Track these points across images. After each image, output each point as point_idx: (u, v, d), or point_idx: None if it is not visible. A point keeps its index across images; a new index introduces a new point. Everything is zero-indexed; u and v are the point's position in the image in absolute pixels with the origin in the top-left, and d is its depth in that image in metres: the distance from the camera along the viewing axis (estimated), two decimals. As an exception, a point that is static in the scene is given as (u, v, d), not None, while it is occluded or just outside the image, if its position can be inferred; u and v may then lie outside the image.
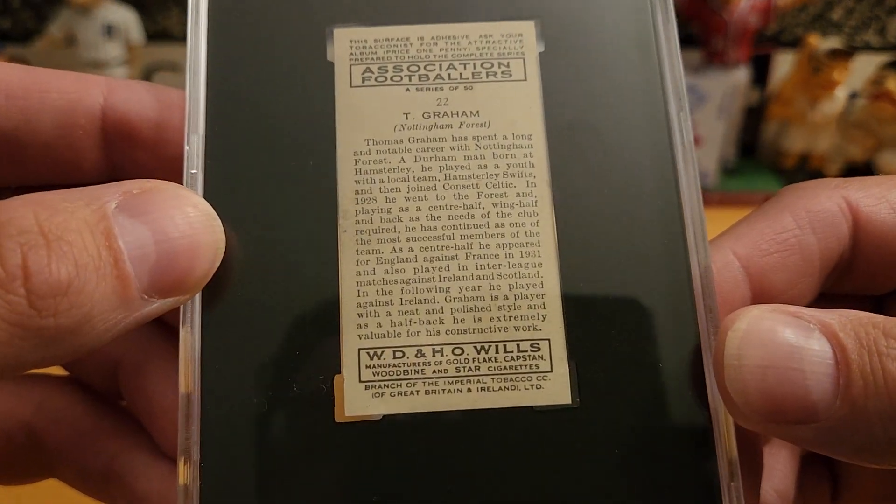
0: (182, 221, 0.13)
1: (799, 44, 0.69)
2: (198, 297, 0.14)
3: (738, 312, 0.14)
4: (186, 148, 0.15)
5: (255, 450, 0.13)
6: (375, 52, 0.16)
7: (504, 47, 0.15)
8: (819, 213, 0.16)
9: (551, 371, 0.14)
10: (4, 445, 0.18)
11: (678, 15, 0.62)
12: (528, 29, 0.15)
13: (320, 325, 0.14)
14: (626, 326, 0.15)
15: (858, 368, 0.12)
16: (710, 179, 0.68)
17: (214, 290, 0.14)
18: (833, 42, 0.68)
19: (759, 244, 0.16)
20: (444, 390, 0.14)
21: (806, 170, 0.73)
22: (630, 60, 0.15)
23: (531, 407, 0.14)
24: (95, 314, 0.12)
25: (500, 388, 0.14)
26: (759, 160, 0.76)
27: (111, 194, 0.13)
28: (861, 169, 0.72)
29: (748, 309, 0.14)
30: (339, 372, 0.14)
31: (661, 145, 0.15)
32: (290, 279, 0.14)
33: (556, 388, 0.14)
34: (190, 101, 0.15)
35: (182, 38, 0.72)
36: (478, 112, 0.15)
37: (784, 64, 0.72)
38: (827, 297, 0.17)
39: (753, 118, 0.75)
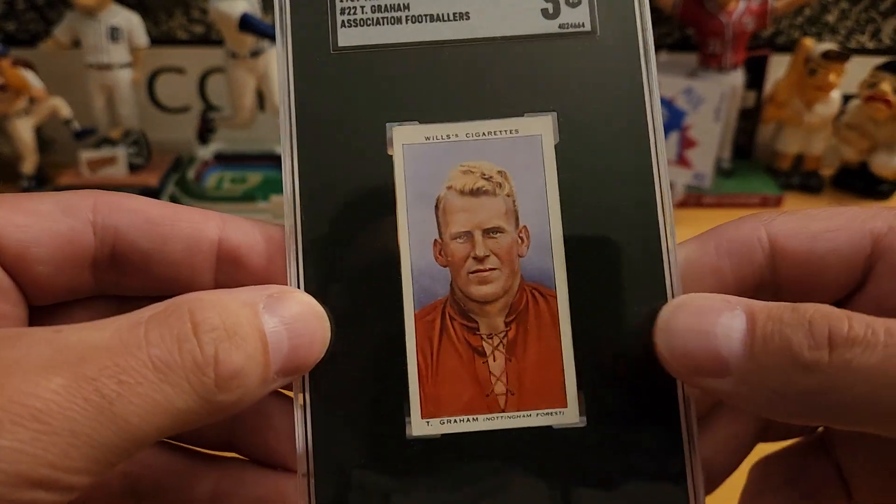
0: (305, 320, 0.18)
1: (794, 47, 0.70)
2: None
3: (681, 295, 0.18)
4: (289, 259, 0.19)
5: (357, 468, 0.18)
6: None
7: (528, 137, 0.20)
8: (736, 241, 0.19)
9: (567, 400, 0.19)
10: (102, 496, 0.20)
11: (675, 18, 0.63)
12: (546, 122, 0.19)
13: (395, 392, 0.19)
14: (621, 360, 0.19)
15: (761, 332, 0.16)
16: (706, 181, 0.69)
17: (319, 366, 0.18)
18: (828, 45, 0.68)
19: (685, 266, 0.19)
20: (485, 419, 0.19)
21: (801, 171, 0.74)
22: (628, 146, 0.19)
23: (550, 426, 0.19)
24: (249, 391, 0.16)
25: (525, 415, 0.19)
26: (755, 162, 0.77)
27: (259, 297, 0.17)
28: (856, 170, 0.73)
29: (689, 294, 0.18)
30: (408, 400, 0.19)
31: (651, 218, 0.19)
32: (371, 356, 0.19)
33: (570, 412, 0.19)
34: (288, 228, 0.19)
35: (184, 42, 0.73)
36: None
37: (779, 66, 0.73)
38: None
39: (749, 120, 0.76)
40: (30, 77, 0.65)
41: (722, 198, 0.69)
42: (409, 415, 0.18)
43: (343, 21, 0.20)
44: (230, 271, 0.19)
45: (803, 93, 0.70)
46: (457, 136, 0.19)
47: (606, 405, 0.19)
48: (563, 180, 0.19)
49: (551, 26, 0.20)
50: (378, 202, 0.19)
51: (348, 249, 0.19)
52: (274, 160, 0.73)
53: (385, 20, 0.20)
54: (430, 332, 0.19)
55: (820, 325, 0.16)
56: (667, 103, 0.68)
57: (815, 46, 0.68)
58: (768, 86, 0.74)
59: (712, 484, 0.21)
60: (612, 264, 0.19)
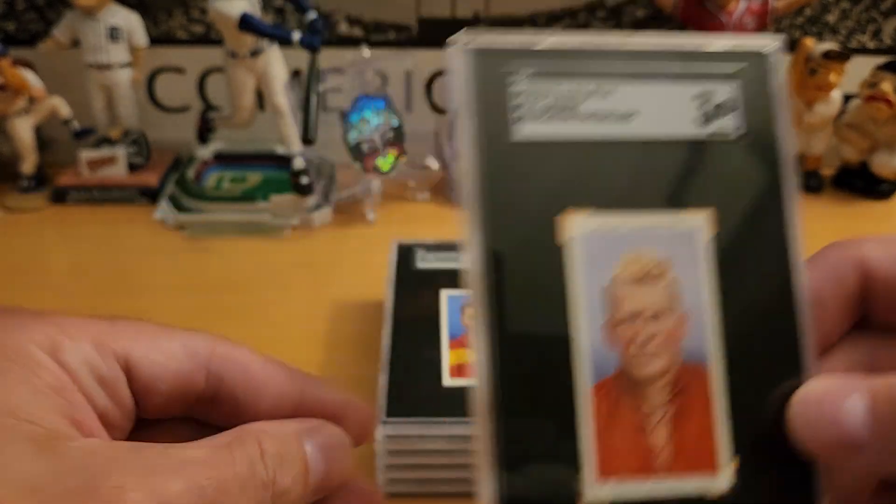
0: (336, 449, 0.22)
1: (795, 46, 0.70)
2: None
3: (804, 385, 0.21)
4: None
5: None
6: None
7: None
8: (830, 267, 0.22)
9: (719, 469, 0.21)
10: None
11: (676, 18, 0.63)
12: (703, 217, 0.22)
13: (570, 460, 0.20)
14: (767, 434, 0.21)
15: (883, 412, 0.19)
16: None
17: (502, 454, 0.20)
18: (829, 44, 0.68)
19: None
20: (651, 484, 0.21)
21: (801, 171, 0.73)
22: (772, 240, 0.22)
23: (704, 496, 0.21)
24: None
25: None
26: (756, 161, 0.76)
27: (303, 429, 0.22)
28: (856, 170, 0.73)
29: (812, 380, 0.21)
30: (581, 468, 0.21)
31: (791, 306, 0.22)
32: (549, 428, 0.21)
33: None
34: (473, 303, 0.21)
35: (184, 41, 0.73)
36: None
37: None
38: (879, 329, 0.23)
39: (750, 120, 0.75)
40: (29, 77, 0.65)
41: (722, 197, 0.69)
42: (584, 481, 0.20)
43: (517, 116, 0.21)
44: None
45: (803, 92, 0.70)
46: (622, 227, 0.21)
47: (754, 473, 0.21)
48: (718, 270, 0.21)
49: (705, 132, 0.22)
50: (551, 288, 0.21)
51: (527, 329, 0.21)
52: (273, 160, 0.73)
53: (556, 117, 0.22)
54: (602, 407, 0.21)
55: None
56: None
57: (815, 46, 0.68)
58: (769, 85, 0.74)
59: None
60: (760, 348, 0.21)
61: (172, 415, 0.23)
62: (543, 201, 0.21)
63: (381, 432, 0.36)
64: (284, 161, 0.70)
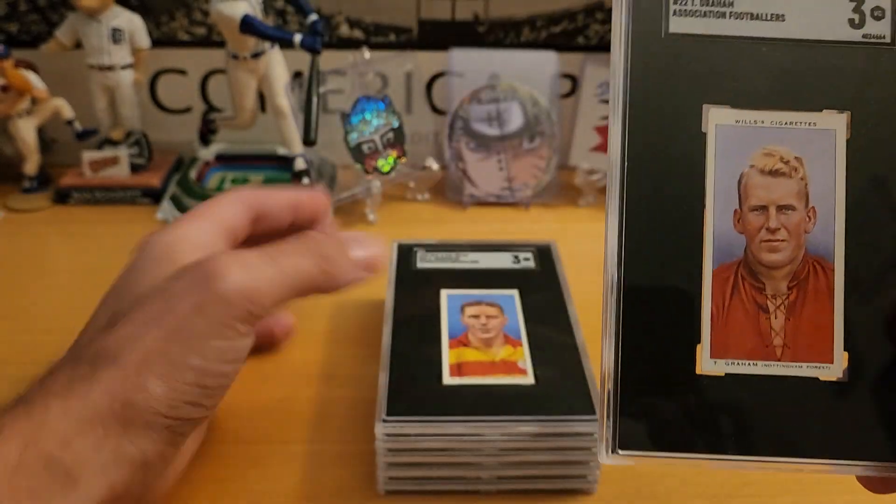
0: (374, 244, 0.35)
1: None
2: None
3: None
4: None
5: (651, 393, 0.22)
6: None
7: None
8: None
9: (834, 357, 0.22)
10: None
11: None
12: (842, 119, 0.23)
13: (689, 334, 0.22)
14: (882, 329, 0.22)
15: None
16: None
17: (628, 307, 0.22)
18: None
19: None
20: (763, 365, 0.22)
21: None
22: None
23: (817, 378, 0.22)
24: (340, 270, 0.34)
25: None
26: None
27: (345, 236, 0.36)
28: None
29: None
30: (699, 342, 0.22)
31: None
32: (672, 301, 0.22)
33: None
34: (610, 184, 0.22)
35: (186, 43, 0.73)
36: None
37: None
38: None
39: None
40: (32, 78, 0.66)
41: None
42: (701, 354, 0.22)
43: (675, 10, 0.23)
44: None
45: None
46: (763, 122, 0.23)
47: (866, 366, 0.22)
48: (850, 171, 0.22)
49: (855, 35, 0.23)
50: (690, 172, 0.22)
51: (661, 207, 0.22)
52: (275, 161, 0.73)
53: (711, 13, 0.23)
54: (725, 287, 0.22)
55: None
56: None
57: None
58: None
59: None
60: (884, 250, 0.22)
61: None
62: (690, 92, 0.22)
63: (380, 431, 0.36)
64: (286, 162, 0.71)
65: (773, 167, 0.23)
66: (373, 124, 0.65)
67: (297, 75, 0.71)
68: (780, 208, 0.23)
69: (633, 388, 0.22)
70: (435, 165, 0.68)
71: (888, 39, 0.23)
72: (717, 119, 0.23)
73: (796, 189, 0.23)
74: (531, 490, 0.38)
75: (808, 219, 0.23)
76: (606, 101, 0.69)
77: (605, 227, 0.22)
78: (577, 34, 0.73)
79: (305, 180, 0.66)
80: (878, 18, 0.23)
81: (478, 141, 0.68)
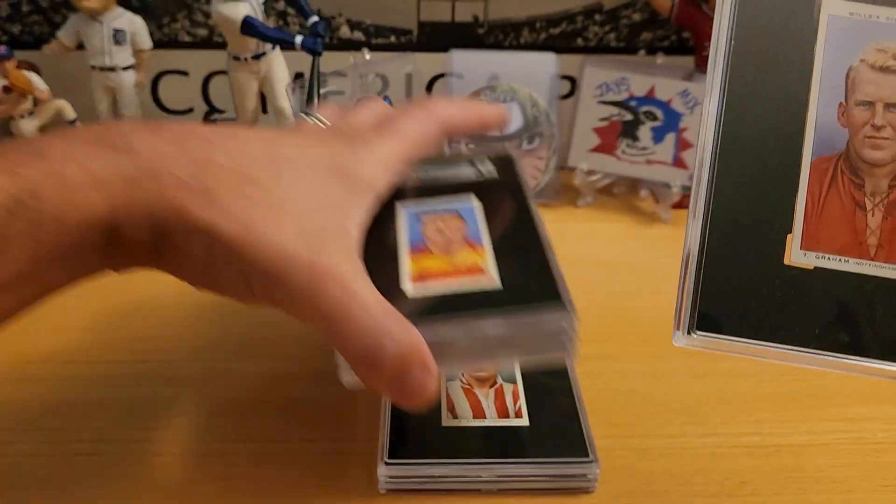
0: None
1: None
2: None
3: None
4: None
5: (737, 281, 0.21)
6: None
7: None
8: None
9: None
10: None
11: (672, 21, 0.63)
12: None
13: (782, 222, 0.21)
14: None
15: None
16: (704, 182, 0.70)
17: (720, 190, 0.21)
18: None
19: None
20: (855, 262, 0.21)
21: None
22: None
23: None
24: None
25: None
26: (753, 163, 0.77)
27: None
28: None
29: None
30: (790, 232, 0.21)
31: None
32: (769, 189, 0.21)
33: None
34: (711, 62, 0.22)
35: (188, 45, 0.74)
36: None
37: (776, 69, 0.73)
38: None
39: (747, 122, 0.76)
40: (34, 79, 0.66)
41: (719, 199, 0.70)
42: (791, 244, 0.22)
43: None
44: None
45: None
46: (878, 17, 0.22)
47: None
48: None
49: None
50: (799, 59, 0.22)
51: (764, 91, 0.22)
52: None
53: None
54: (822, 179, 0.22)
55: None
56: (663, 105, 0.69)
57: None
58: (765, 88, 0.74)
59: None
60: None
61: None
62: None
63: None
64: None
65: (885, 63, 0.22)
66: (373, 125, 0.65)
67: (298, 77, 0.71)
68: (888, 106, 0.22)
69: (717, 269, 0.21)
70: (435, 166, 0.68)
71: None
72: (831, 9, 0.22)
73: None
74: (531, 489, 0.38)
75: None
76: (605, 103, 0.70)
77: (704, 99, 0.22)
78: (576, 36, 0.74)
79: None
80: None
81: (477, 141, 0.68)
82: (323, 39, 0.62)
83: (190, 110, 0.76)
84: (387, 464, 0.37)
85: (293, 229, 0.28)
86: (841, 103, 0.22)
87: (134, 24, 0.67)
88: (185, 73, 0.75)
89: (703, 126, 0.22)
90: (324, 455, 0.40)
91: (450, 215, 0.39)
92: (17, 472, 0.39)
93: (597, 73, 0.70)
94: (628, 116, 0.68)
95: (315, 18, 0.62)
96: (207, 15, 0.72)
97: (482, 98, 0.67)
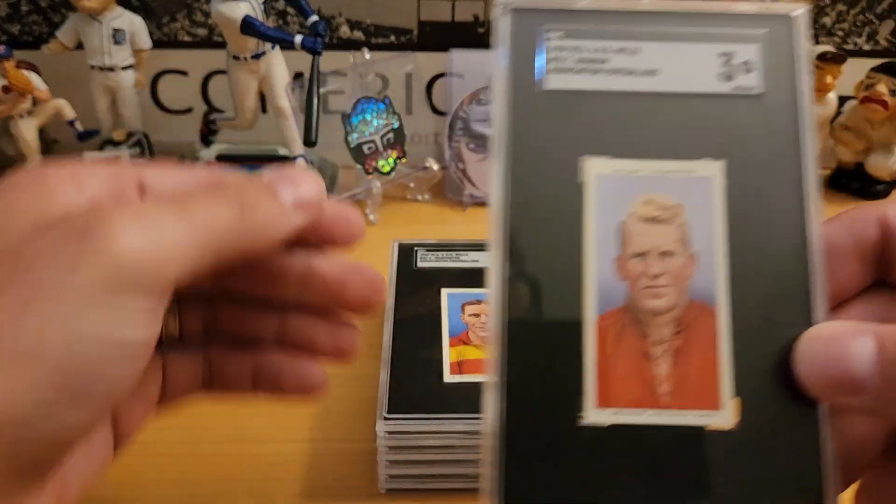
0: (295, 173, 0.25)
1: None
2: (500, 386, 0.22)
3: (814, 325, 0.21)
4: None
5: (536, 447, 0.21)
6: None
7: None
8: (855, 219, 0.23)
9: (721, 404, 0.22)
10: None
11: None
12: (718, 167, 0.23)
13: (573, 384, 0.22)
14: (769, 374, 0.21)
15: (893, 354, 0.19)
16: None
17: (506, 375, 0.21)
18: (825, 47, 0.69)
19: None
20: (650, 414, 0.21)
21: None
22: (785, 193, 0.23)
23: (704, 427, 0.21)
24: (270, 219, 0.24)
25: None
26: (753, 162, 0.77)
27: (266, 175, 0.25)
28: (852, 171, 0.73)
29: (822, 323, 0.21)
30: (582, 393, 0.22)
31: (801, 254, 0.22)
32: (556, 352, 0.22)
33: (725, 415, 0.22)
34: (493, 237, 0.22)
35: (187, 44, 0.73)
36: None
37: (777, 68, 0.73)
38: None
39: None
40: (33, 78, 0.66)
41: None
42: (585, 404, 0.21)
43: (551, 68, 0.23)
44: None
45: (800, 94, 0.70)
46: (641, 171, 0.23)
47: (756, 411, 0.21)
48: (728, 216, 0.23)
49: (726, 87, 0.23)
50: (570, 221, 0.22)
51: (543, 257, 0.22)
52: (276, 161, 0.73)
53: (586, 70, 0.23)
54: (608, 335, 0.22)
55: None
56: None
57: (811, 48, 0.69)
58: (765, 87, 0.74)
59: (846, 483, 0.22)
60: (767, 290, 0.22)
61: None
62: (568, 144, 0.23)
63: (381, 428, 0.36)
64: (287, 162, 0.71)
65: (653, 214, 0.23)
66: (373, 125, 0.65)
67: (297, 76, 0.71)
68: (661, 254, 0.22)
69: (519, 441, 0.21)
70: (435, 166, 0.68)
71: (758, 90, 0.23)
72: (596, 169, 0.23)
73: (676, 235, 0.23)
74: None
75: (689, 264, 0.22)
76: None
77: (487, 278, 0.22)
78: (577, 35, 0.74)
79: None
80: (747, 71, 0.23)
81: (478, 141, 0.68)
82: (323, 39, 0.62)
83: (189, 110, 0.76)
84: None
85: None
86: (618, 257, 0.22)
87: (133, 23, 0.67)
88: (184, 73, 0.75)
89: (491, 295, 0.22)
90: (324, 455, 0.40)
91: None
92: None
93: (597, 73, 0.70)
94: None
95: (315, 18, 0.62)
96: (207, 14, 0.72)
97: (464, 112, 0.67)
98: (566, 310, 0.22)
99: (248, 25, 0.62)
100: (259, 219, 0.23)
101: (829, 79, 0.68)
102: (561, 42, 0.24)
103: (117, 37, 0.66)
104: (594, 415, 0.21)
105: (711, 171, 0.23)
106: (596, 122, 0.23)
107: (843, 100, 0.72)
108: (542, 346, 0.22)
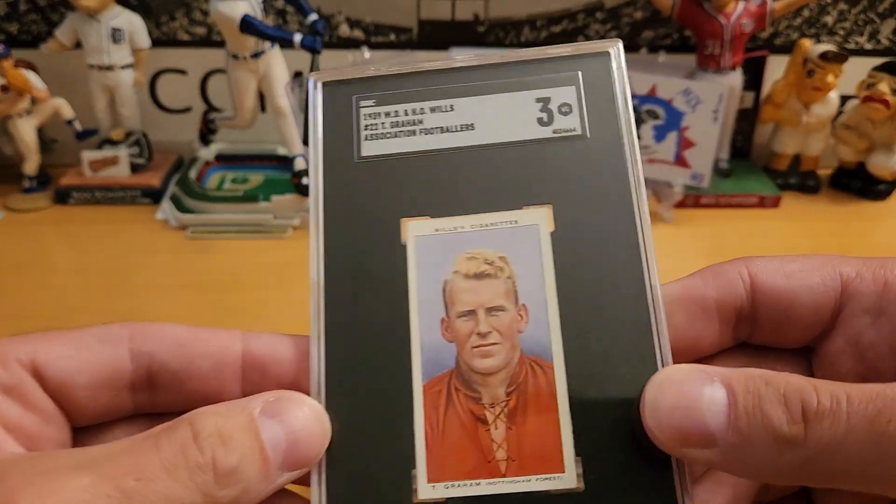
0: (304, 419, 0.19)
1: (792, 48, 0.71)
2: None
3: (661, 370, 0.19)
4: (312, 365, 0.21)
5: None
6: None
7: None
8: (721, 275, 0.21)
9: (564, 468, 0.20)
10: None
11: (674, 20, 0.63)
12: (543, 213, 0.22)
13: (403, 458, 0.20)
14: (615, 428, 0.20)
15: (743, 407, 0.17)
16: (704, 181, 0.69)
17: (329, 456, 0.20)
18: (826, 46, 0.69)
19: (676, 292, 0.21)
20: (487, 483, 0.20)
21: (798, 171, 0.74)
22: (617, 233, 0.22)
23: (548, 491, 0.20)
24: (251, 485, 0.18)
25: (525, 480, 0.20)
26: (753, 162, 0.77)
27: (256, 403, 0.19)
28: (853, 170, 0.73)
29: (668, 367, 0.19)
30: (415, 466, 0.20)
31: (640, 298, 0.21)
32: (382, 424, 0.20)
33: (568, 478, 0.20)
34: (313, 309, 0.21)
35: (186, 43, 0.73)
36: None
37: (778, 67, 0.73)
38: (754, 349, 0.22)
39: (747, 121, 0.76)
40: (32, 78, 0.66)
41: (719, 198, 0.70)
42: (417, 480, 0.20)
43: (366, 135, 0.23)
44: (258, 381, 0.21)
45: (801, 93, 0.70)
46: (463, 227, 0.22)
47: (603, 470, 0.20)
48: (558, 264, 0.21)
49: (546, 132, 0.23)
50: (392, 285, 0.22)
51: (365, 326, 0.21)
52: (275, 160, 0.73)
53: (402, 133, 0.23)
54: (437, 402, 0.21)
55: (794, 400, 0.17)
56: (665, 104, 0.68)
57: (813, 47, 0.69)
58: (766, 87, 0.74)
59: None
60: (605, 339, 0.21)
61: (116, 415, 0.21)
62: (388, 208, 0.22)
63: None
64: (286, 162, 0.71)
65: (478, 270, 0.22)
66: (373, 124, 0.65)
67: (297, 75, 0.71)
68: (489, 310, 0.21)
69: None
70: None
71: (579, 131, 0.23)
72: (416, 230, 0.22)
73: (504, 289, 0.21)
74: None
75: (519, 318, 0.21)
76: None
77: (309, 352, 0.21)
78: (577, 34, 0.73)
79: (305, 180, 0.66)
80: (565, 113, 0.23)
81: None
82: (322, 38, 0.61)
83: (188, 109, 0.76)
84: None
85: None
86: (443, 319, 0.21)
87: (132, 22, 0.67)
88: (183, 72, 0.74)
89: (312, 376, 0.21)
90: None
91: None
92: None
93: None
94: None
95: (314, 16, 0.62)
96: (206, 13, 0.72)
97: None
98: (393, 377, 0.21)
99: (247, 24, 0.61)
100: (225, 495, 0.18)
101: (830, 78, 0.68)
102: (374, 109, 0.23)
103: (116, 36, 0.66)
104: (426, 490, 0.20)
105: (536, 219, 0.22)
106: (414, 183, 0.22)
107: (844, 99, 0.72)
108: (370, 420, 0.20)
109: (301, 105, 0.62)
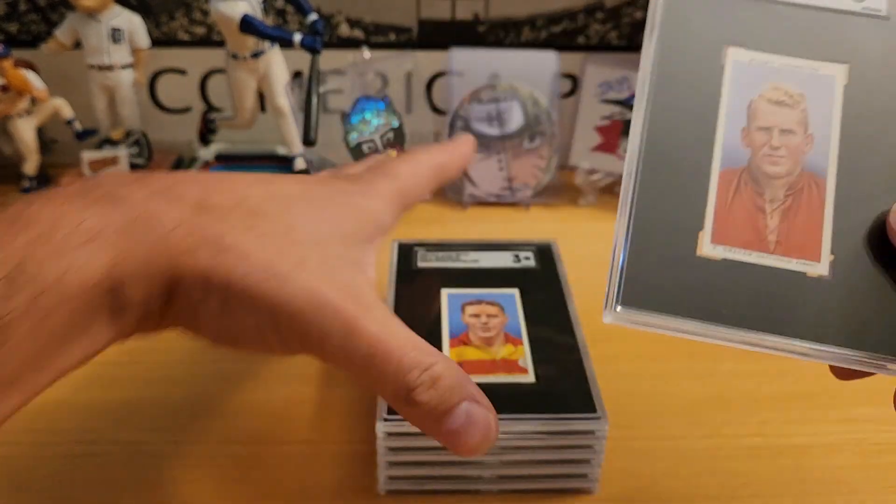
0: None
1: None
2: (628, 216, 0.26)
3: None
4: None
5: (655, 270, 0.25)
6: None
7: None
8: None
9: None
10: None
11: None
12: (842, 69, 0.28)
13: (695, 221, 0.26)
14: (866, 238, 0.26)
15: None
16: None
17: (642, 193, 0.26)
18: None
19: None
20: (757, 255, 0.26)
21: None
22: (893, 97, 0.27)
23: (804, 273, 0.25)
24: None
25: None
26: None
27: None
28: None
29: None
30: (702, 229, 0.26)
31: None
32: (685, 194, 0.26)
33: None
34: (638, 100, 0.27)
35: (186, 43, 0.73)
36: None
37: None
38: None
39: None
40: (31, 78, 0.66)
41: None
42: (703, 238, 0.26)
43: None
44: None
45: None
46: (773, 63, 0.28)
47: (848, 267, 0.25)
48: (845, 109, 0.27)
49: (857, 7, 0.28)
50: (709, 93, 0.27)
51: (680, 117, 0.27)
52: (275, 161, 0.73)
53: None
54: (728, 188, 0.26)
55: None
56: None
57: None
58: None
59: None
60: (869, 171, 0.26)
61: None
62: (715, 34, 0.28)
63: (381, 429, 0.36)
64: (286, 162, 0.71)
65: (779, 98, 0.27)
66: (373, 124, 0.65)
67: (296, 75, 0.71)
68: (782, 131, 0.27)
69: (640, 257, 0.25)
70: (435, 165, 0.67)
71: (884, 13, 0.28)
72: (735, 56, 0.27)
73: (797, 118, 0.27)
74: (532, 490, 0.38)
75: (805, 142, 0.27)
76: (607, 102, 0.69)
77: (631, 124, 0.27)
78: (578, 34, 0.73)
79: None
80: None
81: (478, 141, 0.67)
82: (322, 37, 0.61)
83: (188, 109, 0.76)
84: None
85: (316, 264, 0.26)
86: (744, 129, 0.27)
87: (132, 22, 0.67)
88: (183, 72, 0.74)
89: (631, 143, 0.26)
90: (324, 455, 0.40)
91: (491, 306, 0.44)
92: (15, 473, 0.39)
93: (598, 72, 0.70)
94: (630, 115, 0.68)
95: (314, 16, 0.62)
96: (206, 13, 0.72)
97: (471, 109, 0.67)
98: (696, 160, 0.26)
99: (246, 24, 0.61)
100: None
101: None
102: None
103: (116, 36, 0.66)
104: (709, 248, 0.25)
105: (835, 72, 0.27)
106: (740, 20, 0.28)
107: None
108: (671, 185, 0.26)
109: (301, 105, 0.62)
